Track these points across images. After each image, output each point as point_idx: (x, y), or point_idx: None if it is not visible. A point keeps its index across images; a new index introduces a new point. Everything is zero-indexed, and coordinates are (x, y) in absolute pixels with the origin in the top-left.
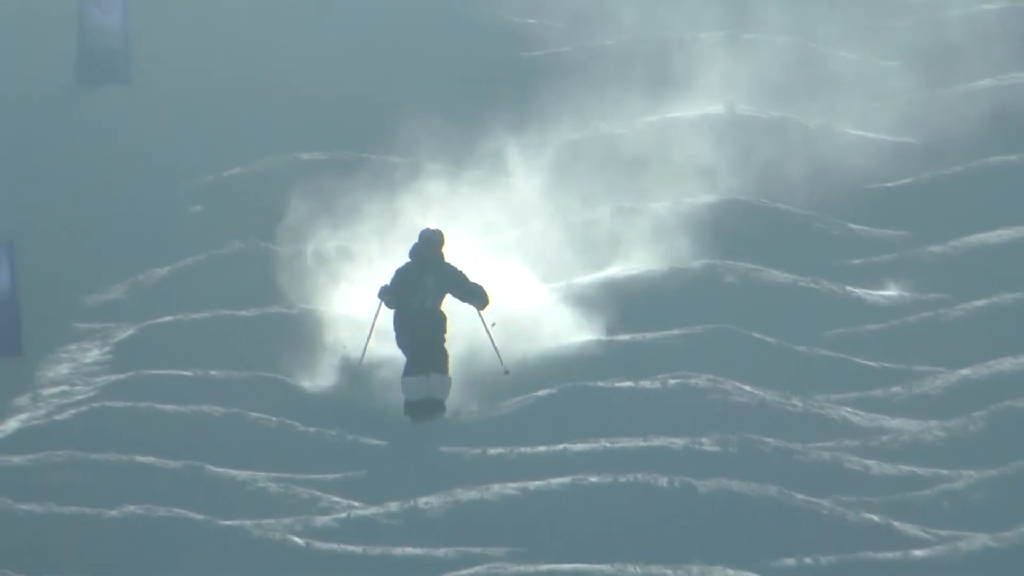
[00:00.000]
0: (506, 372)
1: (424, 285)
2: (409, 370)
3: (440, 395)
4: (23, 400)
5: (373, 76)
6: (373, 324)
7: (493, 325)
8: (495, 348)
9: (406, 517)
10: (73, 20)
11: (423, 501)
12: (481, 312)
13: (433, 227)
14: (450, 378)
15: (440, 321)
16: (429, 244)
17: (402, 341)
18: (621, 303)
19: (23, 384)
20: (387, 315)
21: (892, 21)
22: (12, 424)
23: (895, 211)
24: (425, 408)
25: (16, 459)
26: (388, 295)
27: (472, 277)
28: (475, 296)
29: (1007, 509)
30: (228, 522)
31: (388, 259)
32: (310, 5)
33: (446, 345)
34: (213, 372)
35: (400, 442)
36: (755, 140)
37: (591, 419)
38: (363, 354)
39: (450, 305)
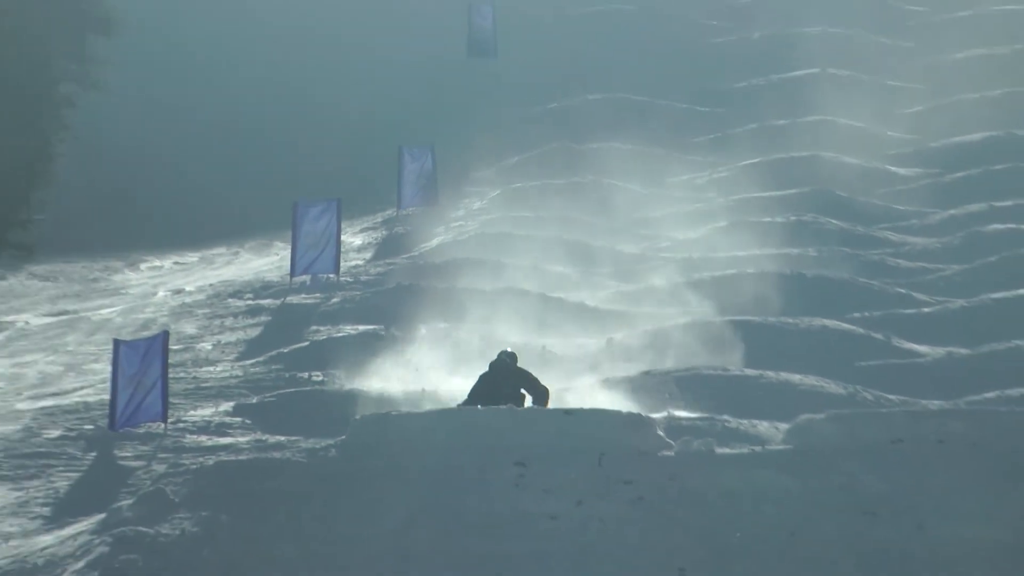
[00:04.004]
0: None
1: (503, 393)
2: None
3: None
4: (439, 229)
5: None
6: None
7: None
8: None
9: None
10: (463, 23)
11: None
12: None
13: (509, 350)
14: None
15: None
16: (505, 365)
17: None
18: None
19: (438, 220)
20: None
21: None
22: (433, 242)
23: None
24: None
25: (436, 260)
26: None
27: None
28: (541, 397)
29: None
30: (557, 294)
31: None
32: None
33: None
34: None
35: None
36: None
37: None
38: None
39: None
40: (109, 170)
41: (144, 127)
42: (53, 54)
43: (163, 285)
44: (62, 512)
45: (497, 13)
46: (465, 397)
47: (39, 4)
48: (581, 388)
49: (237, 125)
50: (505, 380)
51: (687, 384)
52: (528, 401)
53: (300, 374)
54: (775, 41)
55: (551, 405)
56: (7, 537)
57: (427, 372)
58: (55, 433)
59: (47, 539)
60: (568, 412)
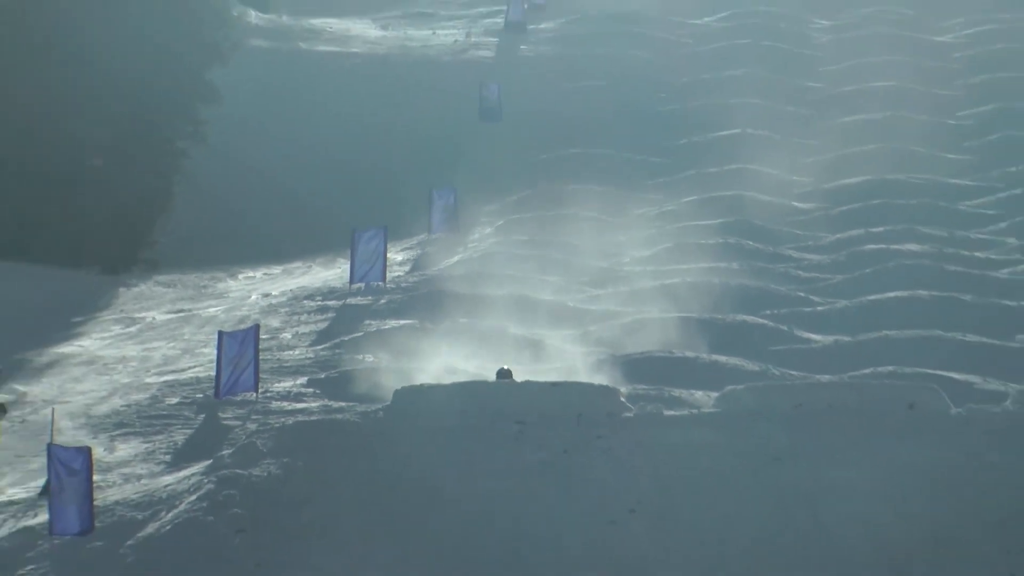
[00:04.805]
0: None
1: None
2: None
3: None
4: (459, 249)
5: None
6: None
7: None
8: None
9: None
10: (475, 96)
11: None
12: None
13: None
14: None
15: None
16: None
17: None
18: None
19: (458, 243)
20: None
21: None
22: (455, 259)
23: None
24: None
25: (456, 272)
26: None
27: None
28: None
29: None
30: (546, 297)
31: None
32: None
33: None
34: (541, 238)
35: None
36: None
37: None
38: None
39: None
40: (214, 204)
41: (239, 173)
42: (173, 118)
43: (255, 290)
44: (179, 459)
45: (502, 89)
46: None
47: (159, 81)
48: (564, 367)
49: (308, 171)
50: None
51: (643, 364)
52: None
53: (356, 356)
54: (707, 109)
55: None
56: (139, 477)
57: (451, 354)
58: (174, 400)
59: (168, 479)
60: (555, 384)
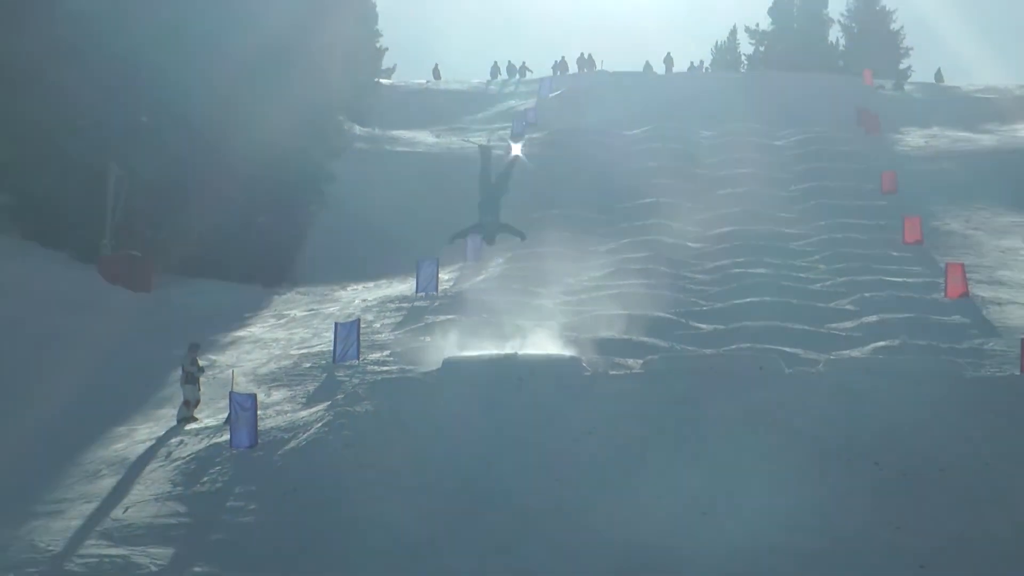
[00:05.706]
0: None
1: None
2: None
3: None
4: (483, 272)
5: (561, 188)
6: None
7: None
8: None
9: None
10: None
11: None
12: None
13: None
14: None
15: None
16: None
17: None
18: None
19: (483, 268)
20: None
21: None
22: (480, 277)
23: None
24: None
25: (481, 286)
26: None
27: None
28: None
29: None
30: (536, 301)
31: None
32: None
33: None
34: (532, 265)
35: None
36: None
37: None
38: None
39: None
40: (333, 244)
41: (347, 224)
42: (307, 192)
43: (357, 297)
44: (310, 401)
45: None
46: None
47: (299, 168)
48: (547, 345)
49: (390, 222)
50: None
51: (597, 342)
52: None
53: (420, 337)
54: (635, 186)
55: None
56: (285, 412)
57: (477, 337)
58: (308, 365)
59: (304, 413)
60: (541, 355)
